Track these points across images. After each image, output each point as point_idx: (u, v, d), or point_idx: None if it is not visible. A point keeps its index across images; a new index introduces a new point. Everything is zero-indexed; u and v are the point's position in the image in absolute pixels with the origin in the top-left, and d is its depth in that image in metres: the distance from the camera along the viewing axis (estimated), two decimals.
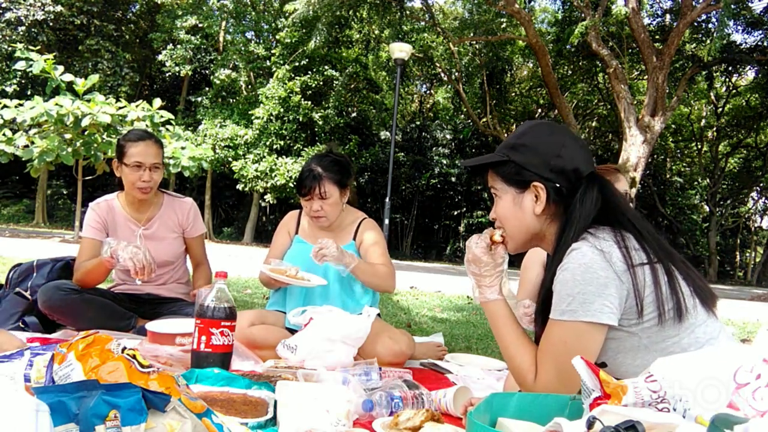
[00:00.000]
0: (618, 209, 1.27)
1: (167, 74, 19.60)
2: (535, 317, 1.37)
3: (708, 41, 12.65)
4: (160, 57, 18.32)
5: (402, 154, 19.50)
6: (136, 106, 8.95)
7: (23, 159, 8.33)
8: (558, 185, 1.28)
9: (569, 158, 1.28)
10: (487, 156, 1.38)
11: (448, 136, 20.51)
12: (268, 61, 18.35)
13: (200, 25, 18.05)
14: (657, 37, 16.05)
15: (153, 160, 2.45)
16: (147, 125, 8.77)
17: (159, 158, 2.49)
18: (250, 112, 17.44)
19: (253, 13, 19.11)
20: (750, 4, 13.59)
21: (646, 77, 14.67)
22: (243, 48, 18.34)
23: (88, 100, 8.55)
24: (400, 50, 11.96)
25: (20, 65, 8.33)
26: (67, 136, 8.58)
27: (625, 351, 1.25)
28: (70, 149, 8.45)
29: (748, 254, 29.58)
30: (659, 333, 1.21)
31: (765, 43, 16.17)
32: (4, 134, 8.52)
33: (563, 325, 1.21)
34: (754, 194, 26.31)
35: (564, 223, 1.28)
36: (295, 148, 17.49)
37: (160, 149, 2.52)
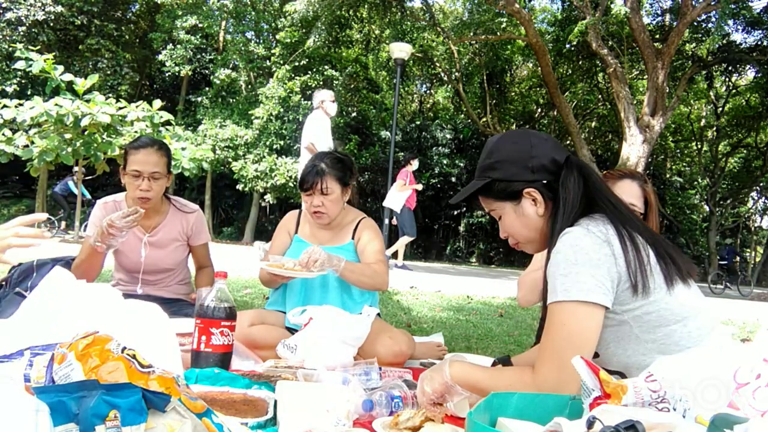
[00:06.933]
0: (598, 189, 1.32)
1: (167, 74, 19.56)
2: (542, 314, 1.35)
3: (708, 40, 12.63)
4: (160, 57, 18.28)
5: (402, 154, 19.47)
6: (136, 106, 8.94)
7: (23, 159, 8.34)
8: (545, 181, 1.33)
9: (542, 154, 1.33)
10: (471, 185, 1.42)
11: (448, 136, 20.44)
12: (268, 61, 18.32)
13: (200, 25, 18.01)
14: (657, 36, 16.03)
15: (152, 169, 2.36)
16: (147, 126, 8.77)
17: (160, 167, 2.39)
18: (250, 112, 17.42)
19: (253, 13, 19.08)
20: (750, 4, 13.56)
21: (646, 77, 14.65)
22: (243, 48, 18.31)
23: (88, 100, 8.54)
24: (400, 50, 11.94)
25: (20, 65, 8.32)
26: (67, 136, 8.58)
27: (617, 341, 1.25)
28: (69, 149, 8.45)
29: (748, 254, 29.57)
30: (650, 322, 1.22)
31: (765, 43, 16.15)
32: (3, 134, 8.52)
33: (560, 307, 1.20)
34: (754, 194, 26.30)
35: (555, 210, 1.31)
36: (295, 148, 17.45)
37: (162, 157, 2.41)
